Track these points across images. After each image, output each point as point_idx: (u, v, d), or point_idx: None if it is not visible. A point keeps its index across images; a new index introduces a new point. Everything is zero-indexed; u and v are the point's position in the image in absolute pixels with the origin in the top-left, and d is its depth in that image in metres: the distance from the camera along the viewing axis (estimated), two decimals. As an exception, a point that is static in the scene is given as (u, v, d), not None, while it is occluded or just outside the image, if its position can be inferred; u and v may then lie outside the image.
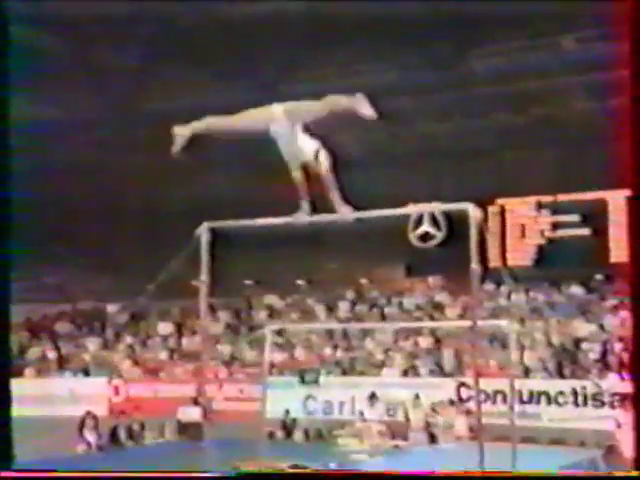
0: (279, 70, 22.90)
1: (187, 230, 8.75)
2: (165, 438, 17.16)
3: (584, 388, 17.09)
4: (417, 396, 17.59)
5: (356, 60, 22.15)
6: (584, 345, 18.81)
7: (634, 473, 5.51)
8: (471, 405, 15.98)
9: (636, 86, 5.50)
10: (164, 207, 25.54)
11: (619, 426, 13.63)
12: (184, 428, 16.99)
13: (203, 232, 8.56)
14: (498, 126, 22.69)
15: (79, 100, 23.79)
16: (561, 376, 18.05)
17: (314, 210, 7.87)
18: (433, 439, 16.27)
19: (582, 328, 19.52)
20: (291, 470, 7.31)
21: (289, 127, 7.64)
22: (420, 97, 22.47)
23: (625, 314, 18.11)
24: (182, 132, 7.82)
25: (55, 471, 6.04)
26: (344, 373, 20.17)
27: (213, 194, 23.94)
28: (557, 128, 22.09)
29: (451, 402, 17.27)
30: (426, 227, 22.45)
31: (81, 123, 24.25)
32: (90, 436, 15.19)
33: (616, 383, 16.74)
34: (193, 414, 16.67)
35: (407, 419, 17.30)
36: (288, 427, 17.66)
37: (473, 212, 8.00)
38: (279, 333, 19.82)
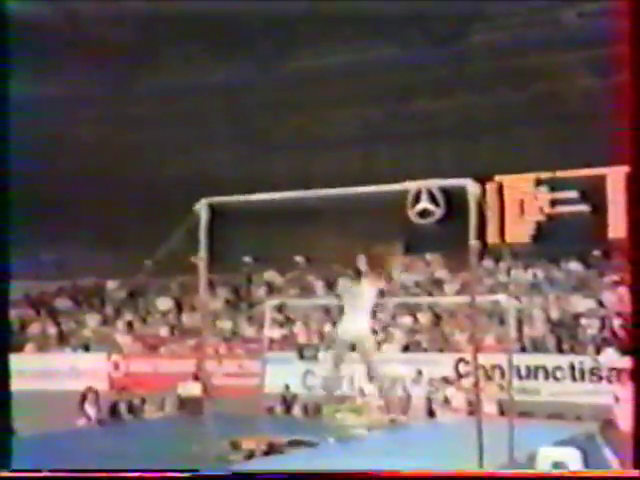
0: (278, 47, 22.78)
1: (186, 206, 8.75)
2: (165, 413, 17.22)
3: (582, 363, 17.16)
4: (419, 372, 17.63)
5: (355, 36, 22.01)
6: (582, 320, 18.86)
7: (634, 472, 5.54)
8: (469, 380, 16.03)
9: (636, 62, 5.49)
10: (163, 183, 25.50)
11: (617, 400, 13.71)
12: (184, 403, 17.04)
13: (202, 208, 8.56)
14: (497, 102, 22.59)
15: (78, 76, 23.70)
16: (560, 351, 18.12)
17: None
18: (432, 414, 16.34)
19: (580, 304, 19.57)
20: (290, 470, 7.27)
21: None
22: (419, 73, 22.37)
23: (623, 290, 18.16)
24: None
25: (55, 471, 6.08)
26: (343, 349, 20.17)
27: (212, 170, 23.90)
28: (557, 104, 21.99)
29: (449, 377, 17.33)
30: (425, 204, 22.41)
31: (80, 99, 24.16)
32: (91, 410, 15.25)
33: (614, 358, 16.81)
34: (193, 389, 16.71)
35: (406, 395, 17.36)
36: (288, 402, 17.72)
37: (472, 188, 7.99)
38: (278, 309, 19.84)
